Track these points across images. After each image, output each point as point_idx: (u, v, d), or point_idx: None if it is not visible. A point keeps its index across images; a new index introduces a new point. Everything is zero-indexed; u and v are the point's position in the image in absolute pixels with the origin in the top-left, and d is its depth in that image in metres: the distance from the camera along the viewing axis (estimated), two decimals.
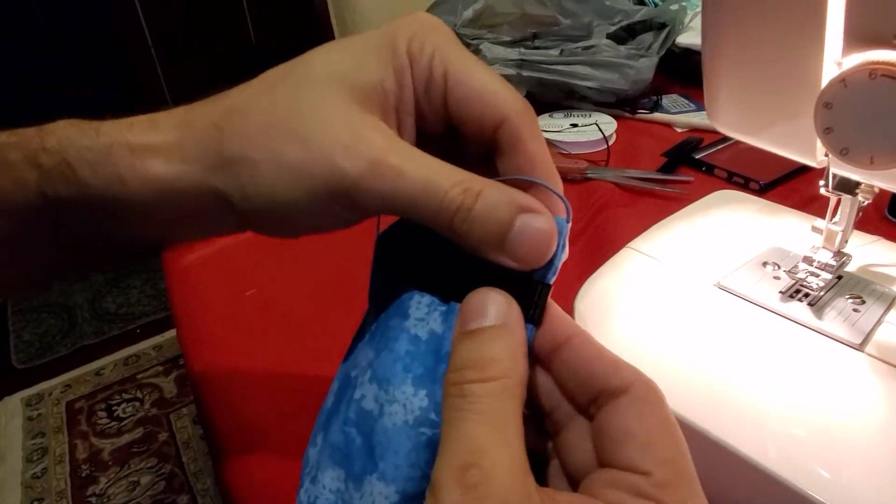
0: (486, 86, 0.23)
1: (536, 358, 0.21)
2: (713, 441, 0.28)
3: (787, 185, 0.63)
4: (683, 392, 0.29)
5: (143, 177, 0.22)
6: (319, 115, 0.22)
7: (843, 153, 0.25)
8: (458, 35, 0.89)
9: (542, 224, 0.20)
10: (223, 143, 0.22)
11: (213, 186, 0.22)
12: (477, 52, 0.85)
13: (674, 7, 0.89)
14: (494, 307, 0.20)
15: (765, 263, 0.35)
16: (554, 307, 0.22)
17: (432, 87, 0.23)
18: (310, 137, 0.21)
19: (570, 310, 0.36)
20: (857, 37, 0.24)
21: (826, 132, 0.25)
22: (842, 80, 0.24)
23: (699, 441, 0.28)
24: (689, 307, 0.34)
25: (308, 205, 0.22)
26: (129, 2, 2.17)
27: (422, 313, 0.22)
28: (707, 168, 0.68)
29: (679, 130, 0.79)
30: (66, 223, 0.24)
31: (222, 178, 0.22)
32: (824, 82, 0.26)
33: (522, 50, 0.84)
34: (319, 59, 0.23)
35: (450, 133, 0.25)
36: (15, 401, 1.61)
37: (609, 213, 0.61)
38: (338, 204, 0.22)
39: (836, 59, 0.25)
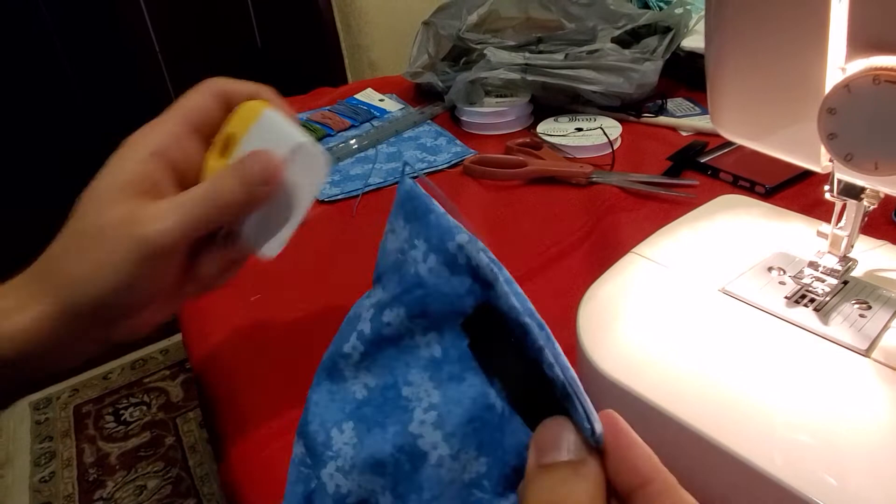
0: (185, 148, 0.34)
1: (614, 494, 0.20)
2: (718, 447, 0.27)
3: (792, 188, 0.63)
4: (688, 398, 0.29)
5: (9, 333, 0.28)
6: (102, 217, 0.29)
7: (848, 159, 0.25)
8: (463, 39, 0.89)
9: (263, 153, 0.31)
10: (53, 279, 0.29)
11: (64, 311, 0.29)
12: (481, 56, 0.85)
13: (678, 11, 0.88)
14: (572, 437, 0.19)
15: (770, 268, 0.35)
16: (634, 437, 0.20)
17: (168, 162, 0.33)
18: (102, 235, 0.29)
19: (573, 316, 0.35)
20: (860, 42, 0.24)
21: (830, 138, 0.25)
22: (845, 86, 0.24)
23: (705, 448, 0.28)
24: (693, 313, 0.34)
25: (132, 279, 0.29)
26: (137, 6, 2.18)
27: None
28: (712, 172, 0.68)
29: (684, 134, 0.79)
30: None
31: (66, 300, 0.29)
32: (828, 88, 0.26)
33: (527, 54, 0.84)
34: (93, 183, 0.31)
35: None
36: (23, 405, 1.61)
37: (614, 218, 0.61)
38: (149, 261, 0.29)
39: (839, 65, 0.25)
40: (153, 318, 0.34)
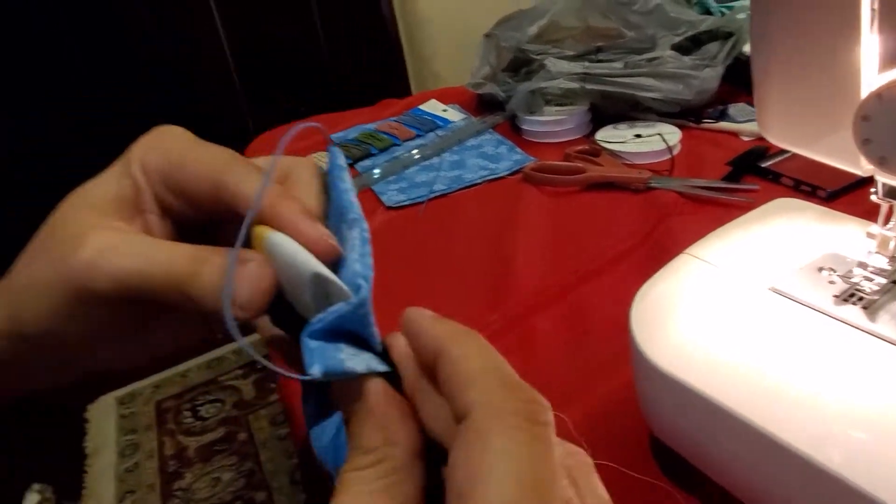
0: (201, 162, 0.25)
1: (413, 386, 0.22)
2: (775, 441, 0.28)
3: (855, 192, 0.62)
4: (741, 391, 0.31)
5: None
6: (59, 231, 0.25)
7: (881, 163, 0.26)
8: (523, 51, 0.92)
9: (254, 265, 0.22)
10: (7, 287, 0.26)
11: (13, 329, 0.25)
12: (541, 67, 0.88)
13: (740, 16, 0.89)
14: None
15: (820, 269, 0.36)
16: (417, 322, 0.22)
17: (168, 183, 0.26)
18: (48, 251, 0.25)
19: (626, 315, 0.37)
20: (891, 55, 0.25)
21: (864, 143, 0.26)
22: (878, 95, 0.25)
23: (761, 441, 0.29)
24: (744, 310, 0.35)
25: (65, 309, 0.24)
26: (214, 28, 2.30)
27: None
28: (773, 176, 0.68)
29: (745, 139, 0.79)
30: None
31: (14, 314, 0.25)
32: (863, 96, 0.27)
33: (586, 64, 0.86)
34: (72, 194, 0.26)
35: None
36: (109, 400, 1.73)
37: (671, 222, 0.62)
38: (80, 297, 0.24)
39: (874, 75, 0.27)
40: (115, 361, 0.29)
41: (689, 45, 0.90)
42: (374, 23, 1.91)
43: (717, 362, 0.33)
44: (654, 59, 0.84)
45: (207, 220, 0.27)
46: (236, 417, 1.60)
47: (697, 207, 0.65)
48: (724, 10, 1.00)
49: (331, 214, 0.26)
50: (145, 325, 0.27)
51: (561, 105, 0.87)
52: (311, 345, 0.20)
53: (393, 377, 0.22)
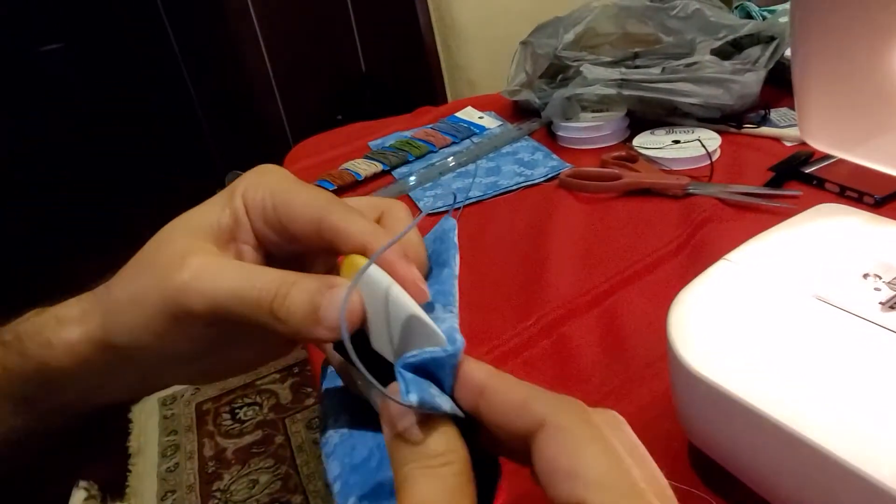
0: (305, 204, 0.27)
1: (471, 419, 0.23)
2: (817, 450, 0.28)
3: None
4: (781, 398, 0.30)
5: (62, 340, 0.27)
6: (161, 252, 0.27)
7: None
8: (559, 57, 0.92)
9: (344, 292, 0.24)
10: (104, 300, 0.28)
11: (105, 340, 0.27)
12: (577, 73, 0.87)
13: (782, 20, 0.87)
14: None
15: (865, 275, 0.35)
16: (465, 361, 0.23)
17: (268, 217, 0.28)
18: (149, 270, 0.27)
19: (663, 321, 0.37)
20: None
21: None
22: None
23: (801, 450, 0.28)
24: (785, 316, 0.34)
25: (160, 326, 0.26)
26: (254, 37, 2.36)
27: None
28: (818, 182, 0.67)
29: (788, 144, 0.77)
30: (13, 395, 0.29)
31: (108, 327, 0.27)
32: None
33: (623, 70, 0.85)
34: (177, 217, 0.29)
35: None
36: (152, 401, 1.78)
37: (710, 228, 0.61)
38: (176, 315, 0.25)
39: None
40: (194, 377, 0.31)
41: (730, 50, 0.89)
42: (410, 32, 1.93)
43: (757, 370, 0.32)
44: (693, 63, 0.83)
45: (296, 253, 0.30)
46: (273, 421, 1.63)
47: (738, 214, 0.64)
48: (765, 13, 0.99)
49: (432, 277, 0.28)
50: (232, 342, 0.29)
51: (597, 111, 0.87)
52: (407, 375, 0.21)
53: (467, 425, 0.23)
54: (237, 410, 1.68)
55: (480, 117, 1.00)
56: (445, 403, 0.22)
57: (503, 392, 0.22)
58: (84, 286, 0.30)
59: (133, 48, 2.70)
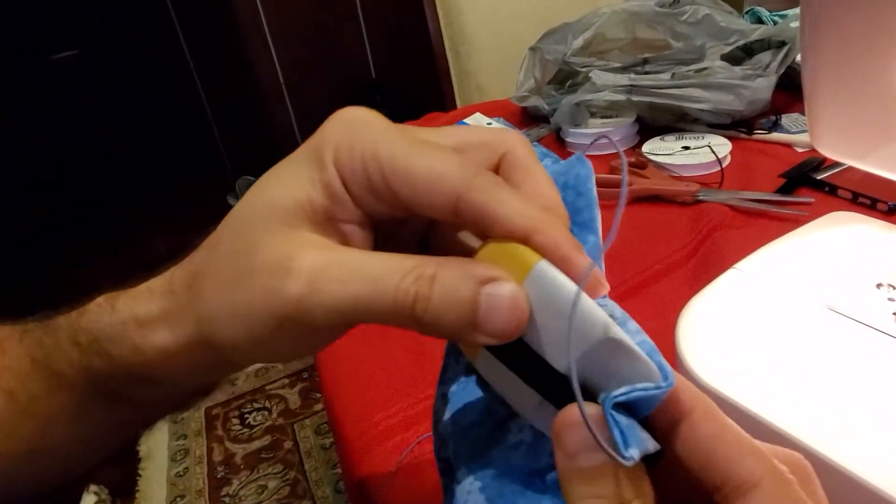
0: (430, 173, 0.21)
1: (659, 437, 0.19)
2: (833, 468, 0.27)
3: None
4: (791, 409, 0.30)
5: (153, 345, 0.25)
6: (253, 253, 0.22)
7: None
8: (568, 63, 0.91)
9: (507, 291, 0.19)
10: (196, 305, 0.24)
11: (202, 343, 0.24)
12: (586, 79, 0.87)
13: (794, 25, 0.86)
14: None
15: (879, 285, 0.35)
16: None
17: (374, 188, 0.22)
18: (250, 277, 0.22)
19: (672, 330, 0.37)
20: None
21: None
22: None
23: (818, 469, 0.28)
24: (796, 328, 0.34)
25: (269, 337, 0.22)
26: (265, 43, 2.37)
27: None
28: (830, 189, 0.66)
29: (800, 150, 0.76)
30: (105, 393, 0.27)
31: (205, 333, 0.24)
32: None
33: (632, 75, 0.85)
34: (253, 194, 0.24)
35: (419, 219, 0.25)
36: None
37: (720, 235, 0.60)
38: (291, 329, 0.22)
39: None
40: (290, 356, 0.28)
41: (741, 55, 0.88)
42: (420, 38, 1.93)
43: (767, 382, 0.32)
44: (703, 69, 0.83)
45: (409, 219, 0.24)
46: (282, 426, 1.63)
47: (748, 221, 0.63)
48: (776, 18, 0.98)
49: None
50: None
51: (606, 117, 0.86)
52: (621, 421, 0.18)
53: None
54: (246, 415, 1.69)
55: (489, 123, 1.00)
56: (651, 445, 0.18)
57: (714, 423, 0.18)
58: (84, 286, 0.28)
59: (144, 54, 2.73)
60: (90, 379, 0.26)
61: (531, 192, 0.23)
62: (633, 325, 0.20)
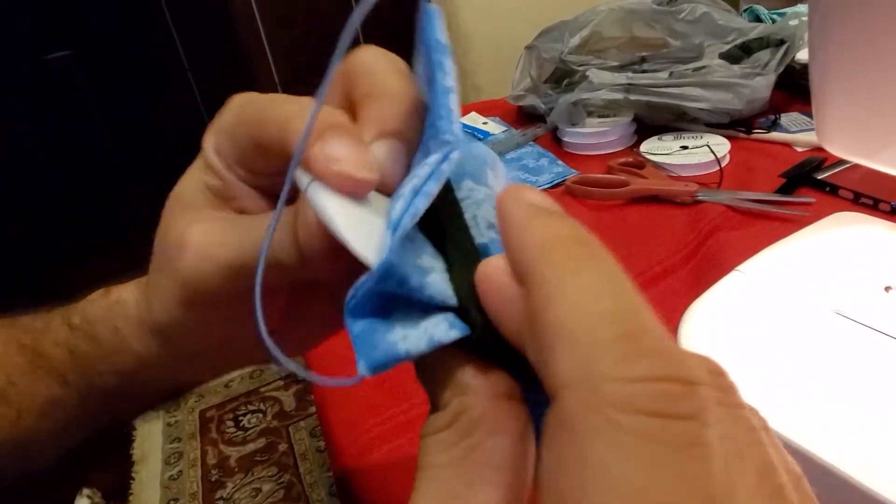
0: (276, 120, 0.22)
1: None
2: (841, 479, 0.27)
3: None
4: (801, 423, 0.29)
5: (130, 330, 0.26)
6: (164, 239, 0.24)
7: None
8: (565, 62, 0.90)
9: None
10: (147, 293, 0.26)
11: (154, 328, 0.26)
12: (583, 78, 0.86)
13: (793, 23, 0.85)
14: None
15: (887, 288, 0.34)
16: (510, 219, 0.17)
17: (245, 161, 0.23)
18: (164, 260, 0.24)
19: (674, 335, 0.36)
20: None
21: None
22: None
23: (826, 479, 0.27)
24: (802, 332, 0.33)
25: (191, 316, 0.24)
26: (260, 43, 2.36)
27: None
28: (831, 189, 0.65)
29: (800, 150, 0.75)
30: (81, 379, 0.28)
31: (154, 319, 0.26)
32: None
33: (630, 74, 0.84)
34: (172, 192, 0.25)
35: None
36: None
37: (720, 236, 0.59)
38: (203, 301, 0.23)
39: None
40: (242, 359, 0.29)
41: (739, 54, 0.87)
42: (414, 35, 1.93)
43: (772, 387, 0.30)
44: (701, 68, 0.82)
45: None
46: (277, 428, 1.61)
47: (748, 221, 0.62)
48: (775, 16, 0.97)
49: (428, 118, 0.20)
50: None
51: (604, 116, 0.85)
52: (354, 329, 0.16)
53: (483, 332, 0.16)
54: (241, 418, 1.67)
55: (484, 122, 0.99)
56: (420, 342, 0.16)
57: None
58: (83, 286, 0.29)
59: (139, 55, 2.72)
60: (72, 362, 0.27)
61: (371, 116, 0.22)
62: (418, 182, 0.18)
